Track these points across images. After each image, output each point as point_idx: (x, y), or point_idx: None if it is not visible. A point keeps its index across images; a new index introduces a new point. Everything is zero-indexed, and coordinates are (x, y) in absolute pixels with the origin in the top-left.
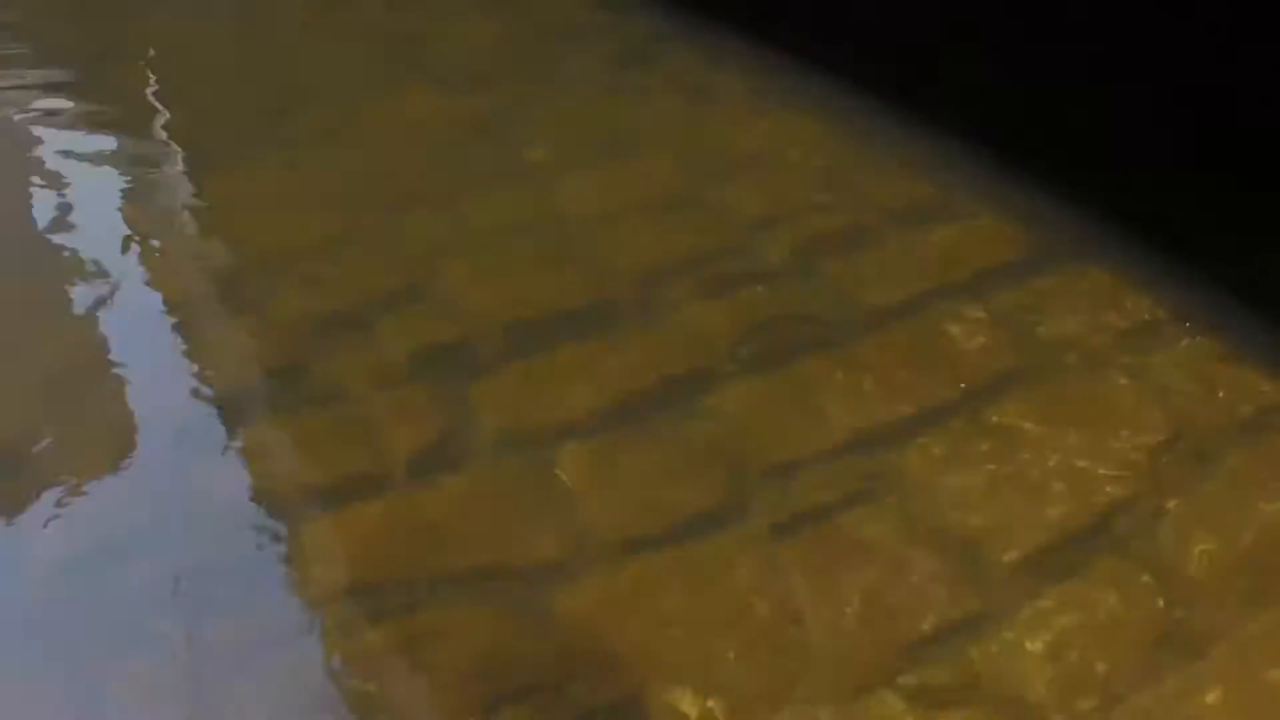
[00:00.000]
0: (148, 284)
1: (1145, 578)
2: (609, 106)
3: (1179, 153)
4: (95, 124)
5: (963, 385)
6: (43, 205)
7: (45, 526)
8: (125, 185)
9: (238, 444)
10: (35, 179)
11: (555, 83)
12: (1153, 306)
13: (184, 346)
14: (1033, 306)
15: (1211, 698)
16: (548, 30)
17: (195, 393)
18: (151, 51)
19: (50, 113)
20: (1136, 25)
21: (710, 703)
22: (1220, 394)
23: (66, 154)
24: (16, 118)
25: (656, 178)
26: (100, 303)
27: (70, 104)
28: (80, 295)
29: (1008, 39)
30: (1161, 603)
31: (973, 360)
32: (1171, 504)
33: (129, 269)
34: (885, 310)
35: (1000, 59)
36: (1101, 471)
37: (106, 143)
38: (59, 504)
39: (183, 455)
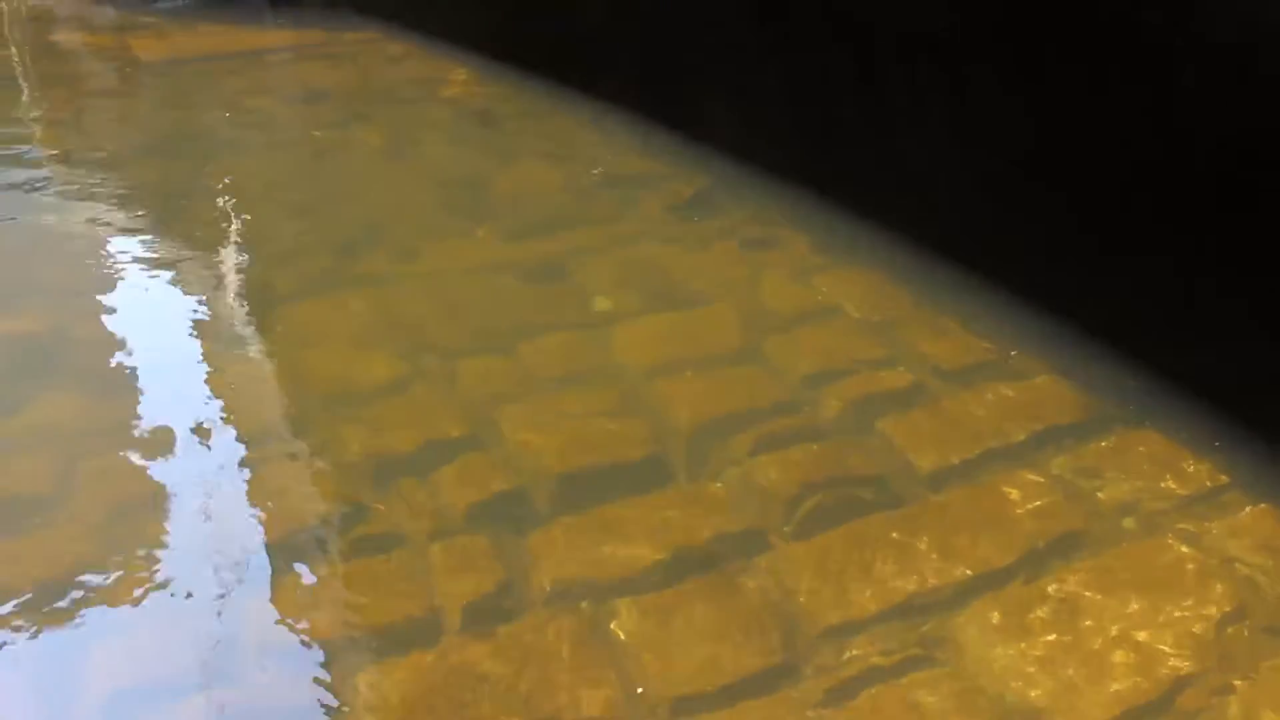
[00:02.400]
0: (215, 419)
1: None
2: (669, 256)
3: (1238, 315)
4: (171, 260)
5: (1020, 550)
6: (117, 336)
7: (95, 659)
8: (197, 319)
9: (292, 585)
10: (111, 310)
11: (616, 231)
12: (1213, 472)
13: (246, 483)
14: (1090, 470)
15: None
16: (609, 178)
17: (253, 531)
18: (227, 190)
19: (129, 249)
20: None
21: None
22: None
23: (143, 288)
24: (98, 252)
25: (714, 329)
26: (167, 435)
27: (148, 240)
28: (149, 427)
29: (1065, 198)
30: None
31: (1030, 524)
32: (1239, 682)
33: (197, 403)
34: (941, 472)
35: (1055, 216)
36: (1164, 644)
37: (180, 277)
38: (109, 637)
39: (236, 594)
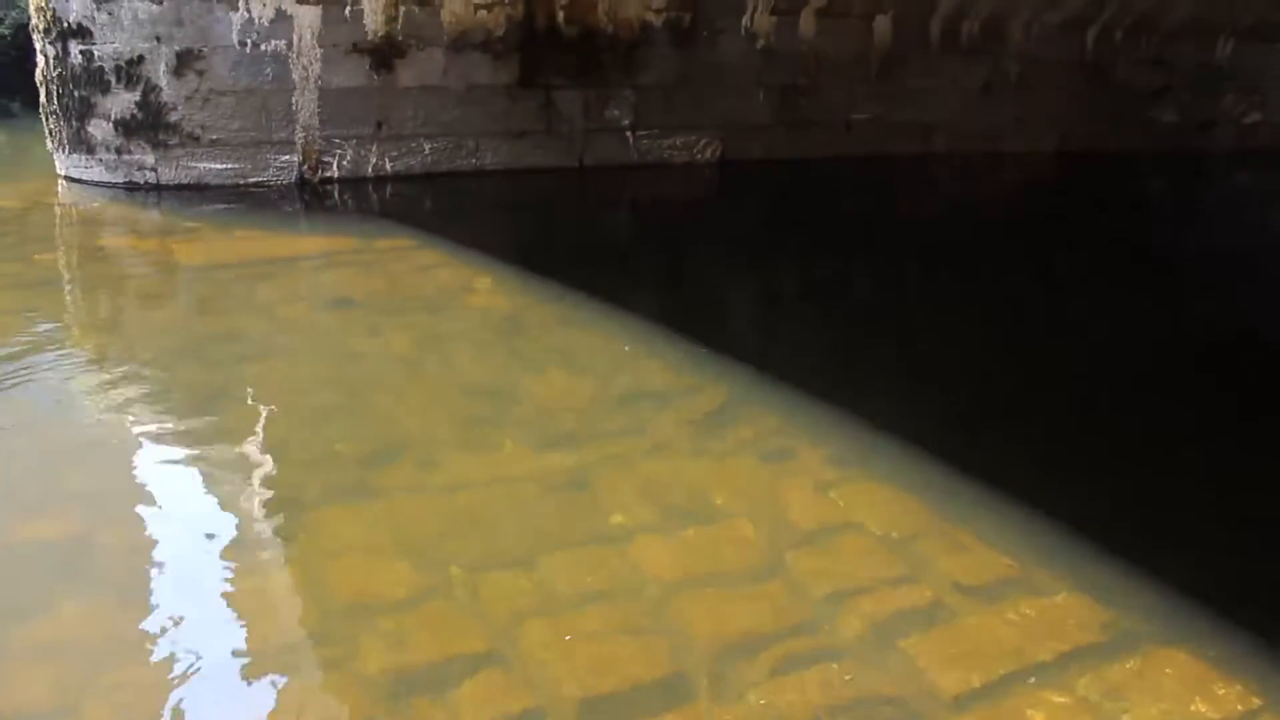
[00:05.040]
0: (235, 631)
1: None
2: (689, 469)
3: (1264, 526)
4: (199, 465)
5: None
6: (141, 543)
7: None
8: (222, 526)
9: None
10: (138, 516)
11: (638, 444)
12: (1245, 694)
13: (263, 698)
14: (1116, 691)
15: None
16: (630, 391)
17: None
18: (257, 395)
19: (158, 452)
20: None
21: None
22: None
23: (170, 493)
24: (128, 455)
25: (735, 546)
26: (185, 649)
27: (178, 444)
28: (166, 639)
29: (1078, 411)
30: None
31: None
32: None
33: (217, 615)
34: (965, 695)
35: (1071, 429)
36: None
37: (207, 482)
38: None
39: None
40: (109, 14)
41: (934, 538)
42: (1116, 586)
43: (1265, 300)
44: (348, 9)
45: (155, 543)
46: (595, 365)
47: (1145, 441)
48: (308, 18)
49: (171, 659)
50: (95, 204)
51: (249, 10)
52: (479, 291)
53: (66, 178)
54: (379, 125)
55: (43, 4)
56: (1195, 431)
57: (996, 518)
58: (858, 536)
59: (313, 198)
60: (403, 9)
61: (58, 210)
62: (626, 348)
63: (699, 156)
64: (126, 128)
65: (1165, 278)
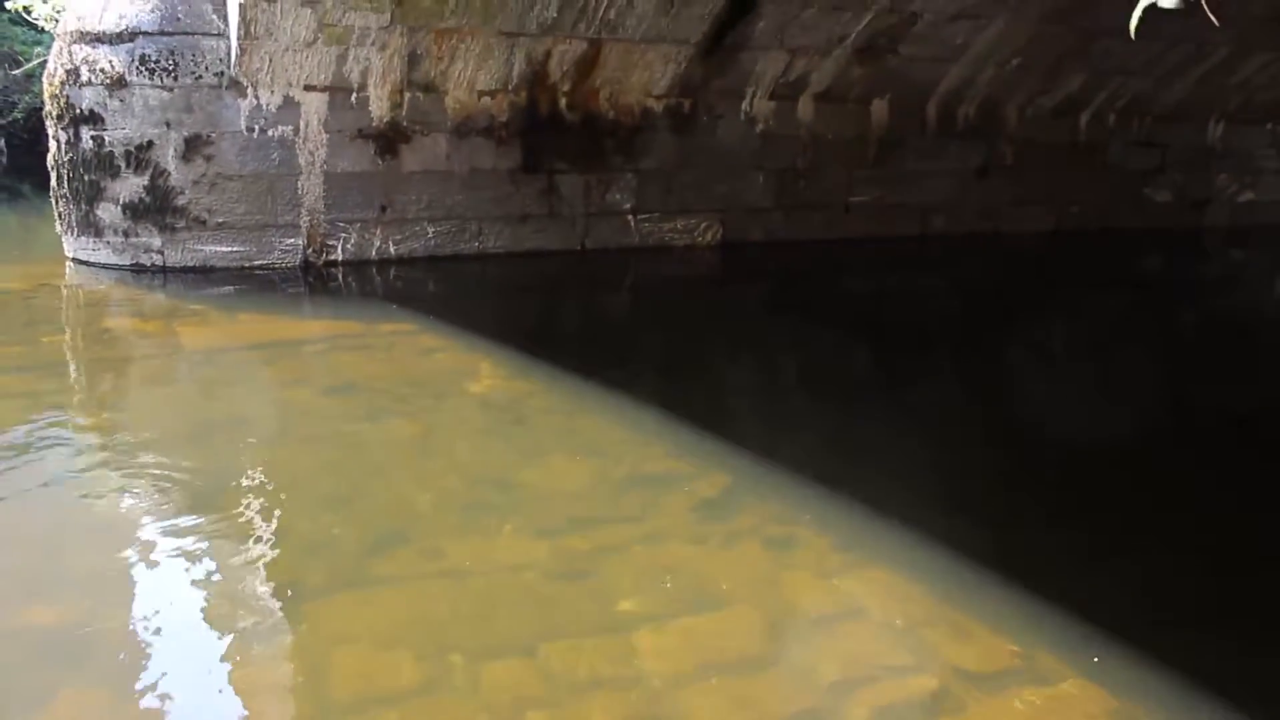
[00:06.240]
0: (233, 719)
1: None
2: (694, 556)
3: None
4: (201, 550)
5: None
6: (144, 630)
7: None
8: (225, 613)
9: None
10: (141, 602)
11: (641, 530)
12: None
13: None
14: None
15: None
16: (634, 477)
17: None
18: (260, 480)
19: (160, 537)
20: None
21: None
22: None
23: (173, 579)
24: (130, 539)
25: (737, 634)
26: None
27: (180, 529)
28: None
29: (1078, 498)
30: None
31: None
32: None
33: (220, 704)
34: None
35: (1074, 516)
36: None
37: (210, 567)
38: None
39: None
40: (121, 101)
41: (938, 624)
42: (1123, 674)
43: (1265, 379)
44: (354, 96)
45: (155, 630)
46: (597, 450)
47: (1150, 524)
48: (314, 104)
49: None
50: (101, 286)
51: (257, 97)
52: (481, 377)
53: (74, 260)
54: (383, 209)
55: (57, 91)
56: (1204, 514)
57: (1000, 603)
58: (862, 624)
59: (316, 280)
60: (408, 96)
61: (65, 292)
62: (629, 432)
63: (699, 239)
64: (134, 211)
65: (1163, 354)
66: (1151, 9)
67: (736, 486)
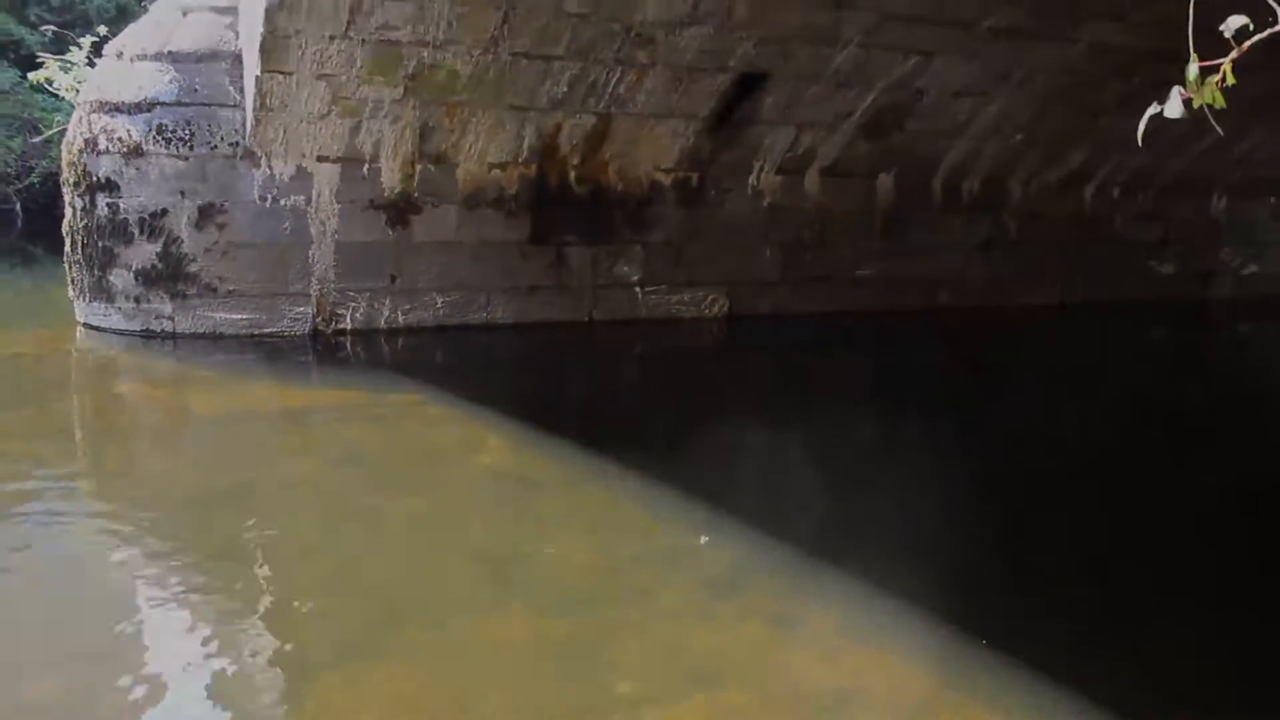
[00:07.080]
0: None
1: None
2: (698, 635)
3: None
4: (203, 623)
5: None
6: (143, 709)
7: None
8: (228, 690)
9: None
10: (141, 678)
11: (647, 610)
12: None
13: None
14: None
15: None
16: (642, 554)
17: None
18: (265, 551)
19: (162, 610)
20: None
21: None
22: None
23: (174, 653)
24: (130, 612)
25: (743, 714)
26: None
27: (182, 601)
28: None
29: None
30: None
31: None
32: None
33: None
34: None
35: (1080, 597)
36: None
37: (213, 641)
38: None
39: None
40: (137, 169)
41: (943, 709)
42: None
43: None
44: (366, 167)
45: (158, 705)
46: (603, 526)
47: (1155, 607)
48: (327, 175)
49: None
50: (112, 351)
51: (271, 167)
52: (488, 448)
53: (85, 325)
54: (393, 279)
55: (75, 159)
56: (1210, 594)
57: (1004, 686)
58: (867, 706)
59: (325, 349)
60: (419, 167)
61: (75, 357)
62: (636, 508)
63: (706, 312)
64: (147, 278)
65: (1170, 429)
66: (1157, 117)
67: (741, 564)
